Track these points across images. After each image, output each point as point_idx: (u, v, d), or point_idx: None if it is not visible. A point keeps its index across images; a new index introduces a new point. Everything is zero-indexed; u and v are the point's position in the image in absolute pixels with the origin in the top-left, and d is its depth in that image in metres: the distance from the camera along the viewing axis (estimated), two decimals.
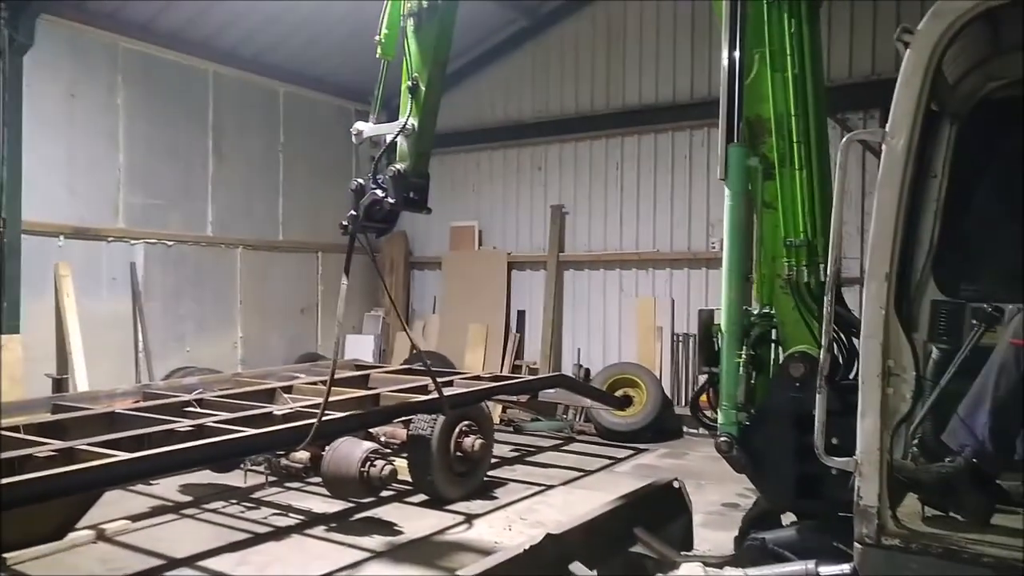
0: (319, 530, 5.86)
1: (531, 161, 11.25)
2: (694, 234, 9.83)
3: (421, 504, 6.54)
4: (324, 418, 4.70)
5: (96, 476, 3.78)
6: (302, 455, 5.98)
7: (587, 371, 10.35)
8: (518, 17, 10.97)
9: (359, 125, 4.66)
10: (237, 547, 5.46)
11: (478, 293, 11.23)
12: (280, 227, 10.88)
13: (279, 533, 5.78)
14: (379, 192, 4.46)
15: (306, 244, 11.11)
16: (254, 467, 6.46)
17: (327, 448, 5.77)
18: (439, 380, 6.86)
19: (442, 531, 5.89)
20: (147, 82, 9.16)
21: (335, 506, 6.34)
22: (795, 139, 3.41)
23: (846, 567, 2.87)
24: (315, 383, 6.75)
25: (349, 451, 5.70)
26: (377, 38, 4.49)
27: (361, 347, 11.44)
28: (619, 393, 9.21)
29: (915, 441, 2.79)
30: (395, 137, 4.50)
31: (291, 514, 6.23)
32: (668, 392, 9.62)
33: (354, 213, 4.48)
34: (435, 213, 4.93)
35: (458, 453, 6.56)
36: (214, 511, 6.27)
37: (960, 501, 2.59)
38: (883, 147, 2.63)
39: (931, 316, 3.29)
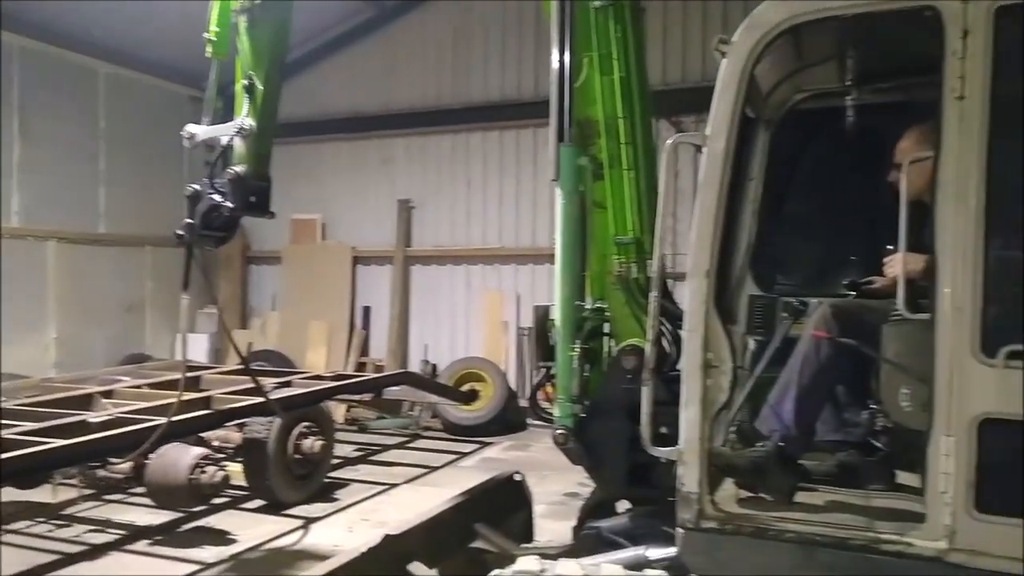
0: (142, 544, 5.46)
1: (377, 154, 11.05)
2: (539, 230, 10.02)
3: (258, 510, 6.26)
4: (143, 425, 4.36)
5: None
6: (123, 464, 5.54)
7: (434, 367, 10.31)
8: (364, 7, 10.72)
9: (191, 128, 4.31)
10: (45, 570, 4.97)
11: (321, 289, 10.88)
12: (101, 219, 10.03)
13: (95, 551, 5.33)
14: (217, 197, 4.16)
15: (133, 238, 10.32)
16: (65, 480, 5.91)
17: (152, 456, 5.37)
18: (274, 381, 6.65)
19: (279, 537, 5.66)
20: None
21: (161, 517, 5.93)
22: (624, 141, 3.52)
23: (673, 550, 3.00)
24: (140, 387, 6.28)
25: (176, 458, 5.34)
26: (206, 36, 4.20)
27: (194, 346, 10.75)
28: (466, 388, 9.24)
29: (732, 429, 2.95)
30: (231, 139, 4.22)
31: (109, 529, 5.76)
32: (513, 385, 9.76)
33: (190, 221, 4.16)
34: (276, 205, 4.69)
35: (297, 455, 6.34)
36: (16, 532, 5.67)
37: (768, 482, 2.77)
38: (704, 150, 2.75)
39: (748, 310, 3.50)
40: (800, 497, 2.78)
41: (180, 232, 4.18)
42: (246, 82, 4.21)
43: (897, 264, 2.69)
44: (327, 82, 11.19)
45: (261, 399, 5.97)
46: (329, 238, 11.30)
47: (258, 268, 11.72)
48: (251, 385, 6.33)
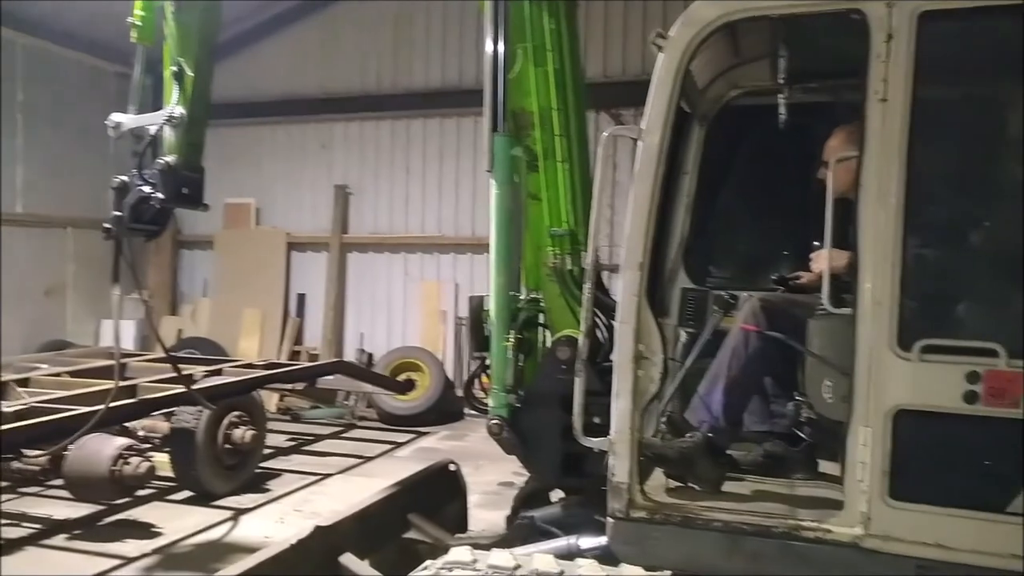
0: (60, 539, 5.25)
1: (315, 138, 10.83)
2: (478, 219, 9.98)
3: (185, 501, 6.10)
4: (63, 415, 4.19)
5: None
6: (40, 456, 5.31)
7: (370, 356, 10.21)
8: None
9: (117, 116, 4.12)
10: None
11: (254, 275, 10.63)
12: (18, 197, 9.57)
13: (9, 547, 5.09)
14: (147, 189, 3.98)
15: (53, 218, 9.88)
16: None
17: (71, 446, 5.17)
18: (204, 370, 6.49)
19: (206, 529, 5.52)
20: None
21: (82, 510, 5.72)
22: (558, 132, 3.53)
23: (604, 539, 3.04)
24: (59, 375, 6.04)
25: (97, 448, 5.14)
26: (131, 20, 4.03)
27: (121, 333, 10.41)
28: (402, 377, 9.18)
29: (663, 419, 3.01)
30: (160, 128, 4.04)
31: (25, 523, 5.53)
32: (451, 375, 9.73)
33: (118, 214, 3.97)
34: (208, 188, 4.54)
35: (227, 445, 6.20)
36: None
37: (696, 472, 2.83)
38: (639, 144, 2.78)
39: (680, 302, 3.57)
40: (727, 486, 2.85)
41: (108, 225, 3.99)
42: (175, 68, 4.04)
43: (822, 260, 2.77)
44: (263, 63, 10.90)
45: (192, 387, 5.84)
46: (263, 223, 11.04)
47: (189, 253, 11.38)
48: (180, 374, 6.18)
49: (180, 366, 6.54)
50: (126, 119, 4.13)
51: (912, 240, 2.45)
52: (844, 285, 2.67)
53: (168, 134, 4.08)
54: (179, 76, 4.04)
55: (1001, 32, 2.53)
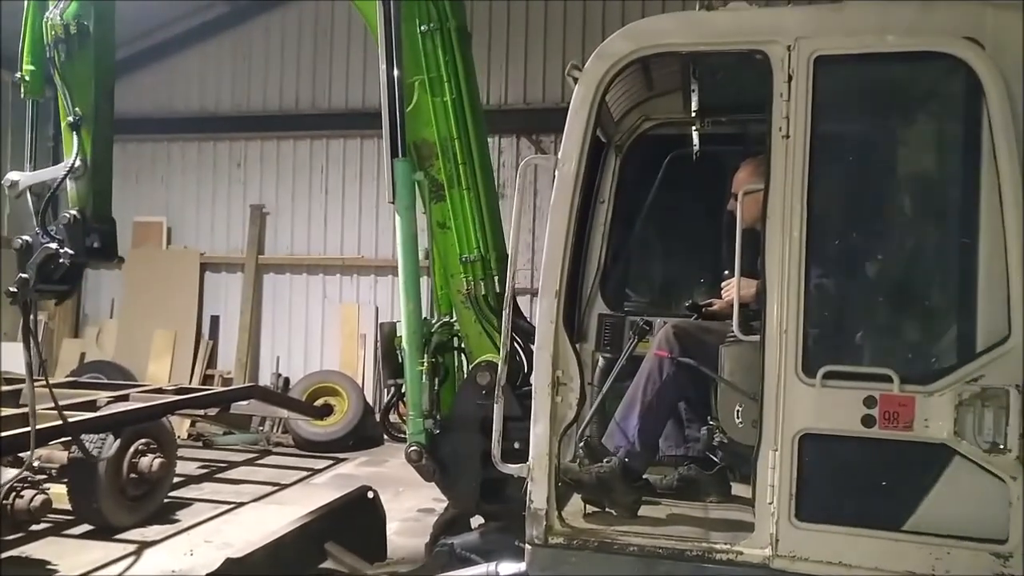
0: None
1: (229, 156, 10.55)
2: None
3: (84, 535, 5.77)
4: None
5: None
6: None
7: (287, 380, 9.95)
8: (217, 4, 10.24)
9: (13, 175, 3.93)
10: None
11: (165, 296, 10.24)
12: None
13: None
14: (53, 245, 3.77)
15: None
16: None
17: None
18: (109, 395, 6.19)
19: (107, 565, 5.23)
20: None
21: None
22: (461, 161, 3.58)
23: (523, 566, 3.04)
24: None
25: None
26: (19, 76, 3.88)
27: (16, 357, 9.84)
28: (320, 402, 8.97)
29: (581, 444, 3.04)
30: (62, 181, 3.85)
31: None
32: (370, 400, 9.58)
33: (24, 276, 3.75)
34: (116, 205, 4.34)
35: (132, 475, 5.91)
36: None
37: (613, 497, 2.87)
38: (556, 173, 2.83)
39: (597, 328, 3.63)
40: (644, 511, 2.91)
41: (13, 289, 3.75)
42: (72, 119, 3.86)
43: (732, 288, 2.87)
44: (176, 78, 10.58)
45: (91, 415, 5.56)
46: (175, 242, 10.66)
47: (95, 272, 10.85)
48: (82, 399, 5.88)
49: (82, 391, 6.26)
50: (23, 177, 3.94)
51: (814, 270, 2.58)
52: (754, 313, 2.77)
53: (71, 186, 3.90)
54: (76, 126, 3.87)
55: (887, 75, 2.71)
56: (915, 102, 2.85)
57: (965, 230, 2.52)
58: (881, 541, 2.44)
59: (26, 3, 3.90)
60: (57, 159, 3.95)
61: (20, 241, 3.84)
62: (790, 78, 2.58)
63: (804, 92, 2.58)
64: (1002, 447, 2.37)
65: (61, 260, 3.81)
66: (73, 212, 3.86)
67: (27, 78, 3.90)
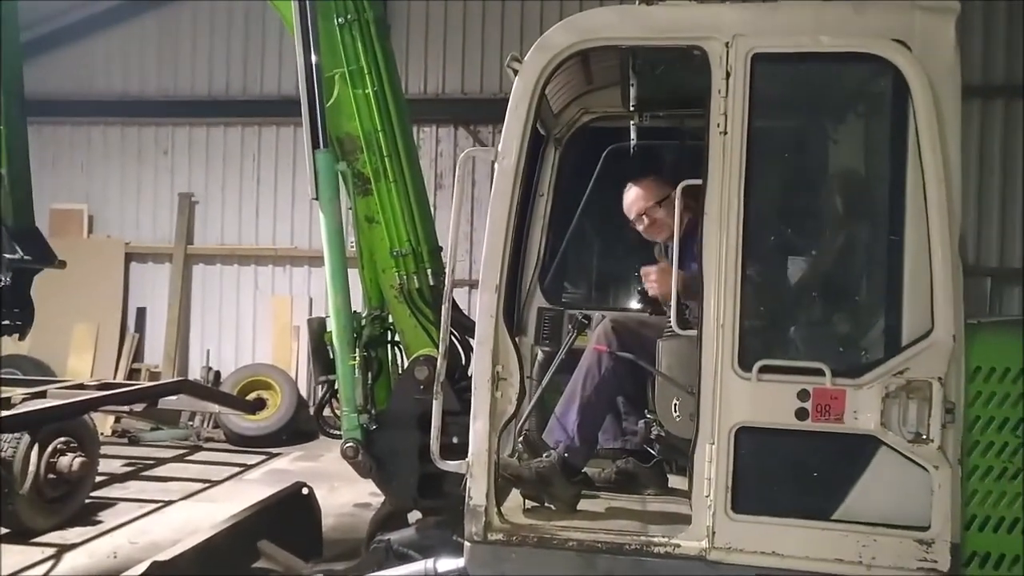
0: None
1: (155, 142, 10.17)
2: None
3: None
4: None
5: None
6: None
7: (217, 373, 9.68)
8: None
9: None
10: None
11: (87, 287, 9.79)
12: None
13: None
14: None
15: None
16: None
17: None
18: (24, 392, 5.90)
19: (24, 570, 5.01)
20: None
21: None
22: (386, 153, 3.52)
23: (462, 562, 3.02)
24: None
25: None
26: None
27: None
28: (252, 396, 8.76)
29: (520, 439, 3.03)
30: None
31: None
32: (304, 393, 9.40)
33: None
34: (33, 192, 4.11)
35: (51, 475, 5.67)
36: None
37: (552, 492, 2.87)
38: (495, 166, 2.80)
39: (536, 322, 3.63)
40: (583, 505, 2.92)
41: None
42: None
43: (661, 281, 2.91)
44: (96, 58, 10.11)
45: (5, 413, 5.29)
46: (97, 231, 10.23)
47: None
48: None
49: None
50: None
51: (750, 265, 2.61)
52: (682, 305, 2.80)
53: None
54: None
55: (821, 75, 2.77)
56: (847, 102, 2.92)
57: (892, 227, 2.59)
58: (811, 531, 2.50)
59: None
60: None
61: None
62: (728, 75, 2.61)
63: (741, 89, 2.60)
64: (925, 437, 2.45)
65: (1, 281, 3.60)
66: None
67: None
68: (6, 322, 3.72)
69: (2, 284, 3.65)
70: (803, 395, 2.49)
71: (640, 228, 3.55)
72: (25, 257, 3.71)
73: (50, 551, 5.33)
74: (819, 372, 2.50)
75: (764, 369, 2.53)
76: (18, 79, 3.86)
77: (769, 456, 2.58)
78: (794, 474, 2.59)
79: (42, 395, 5.99)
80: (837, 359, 2.55)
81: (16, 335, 3.92)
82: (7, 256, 3.66)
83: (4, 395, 5.82)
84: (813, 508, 2.52)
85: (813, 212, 2.90)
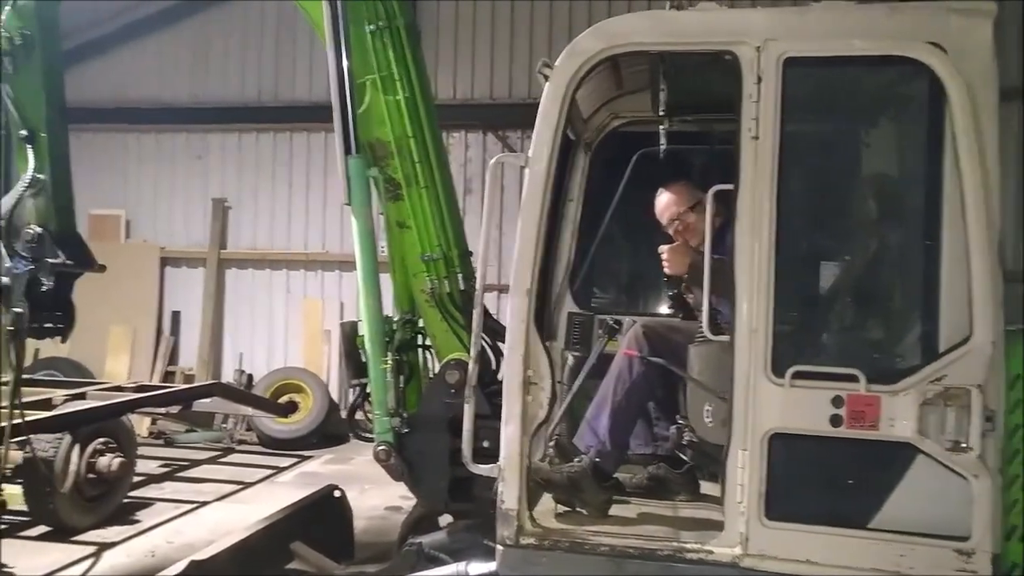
0: None
1: (189, 148, 10.35)
2: None
3: (41, 537, 5.64)
4: None
5: None
6: None
7: (250, 376, 9.81)
8: None
9: None
10: None
11: (124, 291, 9.98)
12: None
13: None
14: (29, 266, 3.64)
15: None
16: None
17: None
18: (65, 393, 6.04)
19: (65, 567, 5.12)
20: None
21: None
22: (416, 159, 3.54)
23: (493, 565, 3.03)
24: None
25: None
26: None
27: None
28: (284, 399, 8.86)
29: (551, 444, 3.04)
30: (21, 197, 3.72)
31: None
32: (335, 397, 9.49)
33: (19, 310, 3.61)
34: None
35: (91, 475, 5.79)
36: None
37: (584, 497, 2.87)
38: (526, 171, 2.81)
39: (567, 327, 3.63)
40: (614, 510, 2.91)
41: (11, 328, 3.62)
42: (25, 133, 3.73)
43: (673, 261, 3.09)
44: (133, 67, 10.32)
45: (47, 414, 5.42)
46: (134, 236, 10.43)
47: None
48: (36, 398, 5.73)
49: (38, 389, 6.10)
50: None
51: (783, 270, 2.59)
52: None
53: (31, 203, 3.77)
54: (31, 139, 3.74)
55: (854, 78, 2.74)
56: (880, 105, 2.89)
57: (929, 232, 2.55)
58: (847, 539, 2.47)
59: None
60: (9, 177, 3.81)
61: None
62: (759, 79, 2.59)
63: (773, 94, 2.59)
64: (964, 446, 2.41)
65: (44, 284, 3.69)
66: (36, 229, 3.74)
67: None
68: (49, 325, 3.79)
69: (46, 288, 3.71)
70: (837, 401, 2.46)
71: (672, 232, 3.54)
72: (67, 261, 3.79)
73: (91, 549, 5.45)
74: (853, 378, 2.47)
75: (797, 375, 2.50)
76: (59, 88, 3.95)
77: (803, 462, 2.55)
78: (829, 481, 2.57)
79: (81, 396, 6.13)
80: (871, 365, 2.52)
81: (59, 338, 3.99)
82: (50, 260, 3.72)
83: (45, 396, 5.98)
84: (849, 516, 2.49)
85: (846, 217, 2.87)
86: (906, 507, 2.45)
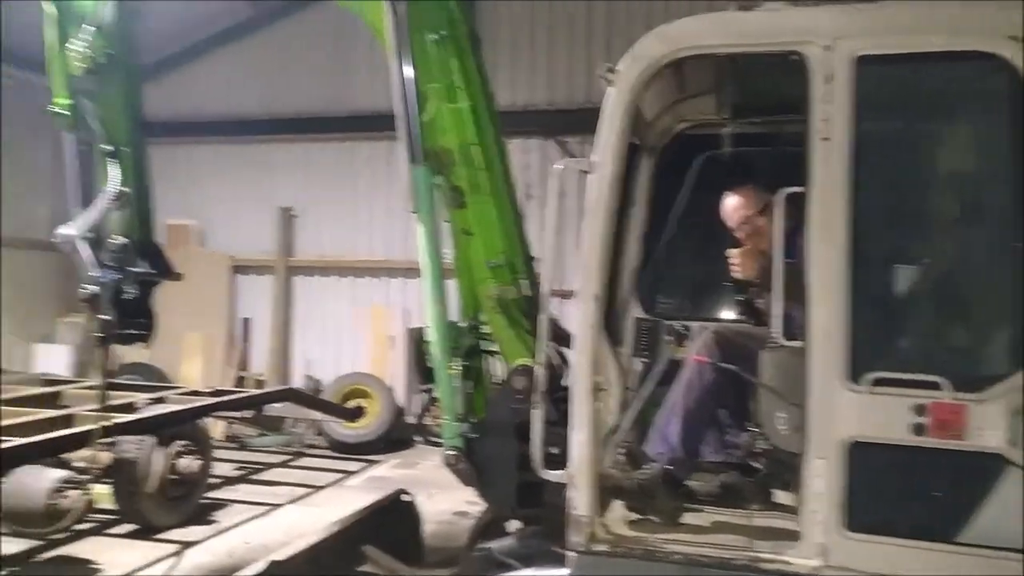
0: None
1: (257, 159, 10.65)
2: None
3: (128, 535, 5.89)
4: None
5: None
6: None
7: (318, 382, 10.03)
8: (242, 6, 10.32)
9: (64, 230, 3.81)
10: None
11: (197, 298, 10.29)
12: None
13: None
14: (116, 275, 3.79)
15: None
16: None
17: (4, 479, 4.94)
18: (147, 397, 6.28)
19: (151, 564, 5.33)
20: None
21: (17, 545, 5.45)
22: (480, 167, 3.55)
23: (565, 571, 3.03)
24: None
25: (33, 480, 4.93)
26: (52, 108, 3.83)
27: (53, 358, 10.01)
28: (351, 404, 9.03)
29: (621, 450, 3.03)
30: (106, 208, 3.83)
31: None
32: (401, 402, 9.62)
33: (107, 318, 3.75)
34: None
35: (172, 476, 6.01)
36: None
37: (655, 504, 2.85)
38: (589, 176, 2.81)
39: (634, 333, 3.60)
40: (686, 518, 2.88)
41: (100, 335, 3.79)
42: (109, 147, 3.86)
43: (744, 265, 3.08)
44: (203, 82, 10.69)
45: (133, 416, 5.65)
46: (206, 245, 10.79)
47: None
48: (121, 401, 5.98)
49: (122, 393, 6.36)
50: (74, 227, 3.81)
51: (859, 274, 2.53)
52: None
53: (115, 217, 3.90)
54: (115, 154, 3.87)
55: (930, 75, 2.65)
56: (959, 102, 2.79)
57: (1014, 233, 2.46)
58: (935, 553, 2.38)
59: (45, 34, 3.83)
60: (90, 191, 3.92)
61: (85, 290, 3.77)
62: (829, 79, 2.54)
63: (845, 93, 2.53)
64: None
65: (129, 292, 3.84)
66: (121, 239, 3.87)
67: (64, 111, 3.81)
68: (133, 331, 3.96)
69: (131, 296, 3.88)
70: (919, 410, 2.38)
71: (740, 236, 3.49)
72: (150, 270, 3.96)
73: (173, 547, 5.65)
74: (936, 386, 2.39)
75: (876, 382, 2.44)
76: (139, 105, 4.11)
77: (884, 473, 2.48)
78: (912, 492, 2.48)
79: (162, 400, 6.38)
80: (955, 372, 2.43)
81: (141, 343, 4.16)
82: (134, 270, 3.89)
83: (129, 400, 6.24)
84: (935, 529, 2.40)
85: (925, 218, 2.78)
86: (997, 521, 2.34)
